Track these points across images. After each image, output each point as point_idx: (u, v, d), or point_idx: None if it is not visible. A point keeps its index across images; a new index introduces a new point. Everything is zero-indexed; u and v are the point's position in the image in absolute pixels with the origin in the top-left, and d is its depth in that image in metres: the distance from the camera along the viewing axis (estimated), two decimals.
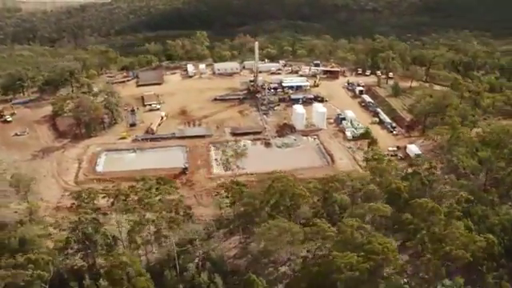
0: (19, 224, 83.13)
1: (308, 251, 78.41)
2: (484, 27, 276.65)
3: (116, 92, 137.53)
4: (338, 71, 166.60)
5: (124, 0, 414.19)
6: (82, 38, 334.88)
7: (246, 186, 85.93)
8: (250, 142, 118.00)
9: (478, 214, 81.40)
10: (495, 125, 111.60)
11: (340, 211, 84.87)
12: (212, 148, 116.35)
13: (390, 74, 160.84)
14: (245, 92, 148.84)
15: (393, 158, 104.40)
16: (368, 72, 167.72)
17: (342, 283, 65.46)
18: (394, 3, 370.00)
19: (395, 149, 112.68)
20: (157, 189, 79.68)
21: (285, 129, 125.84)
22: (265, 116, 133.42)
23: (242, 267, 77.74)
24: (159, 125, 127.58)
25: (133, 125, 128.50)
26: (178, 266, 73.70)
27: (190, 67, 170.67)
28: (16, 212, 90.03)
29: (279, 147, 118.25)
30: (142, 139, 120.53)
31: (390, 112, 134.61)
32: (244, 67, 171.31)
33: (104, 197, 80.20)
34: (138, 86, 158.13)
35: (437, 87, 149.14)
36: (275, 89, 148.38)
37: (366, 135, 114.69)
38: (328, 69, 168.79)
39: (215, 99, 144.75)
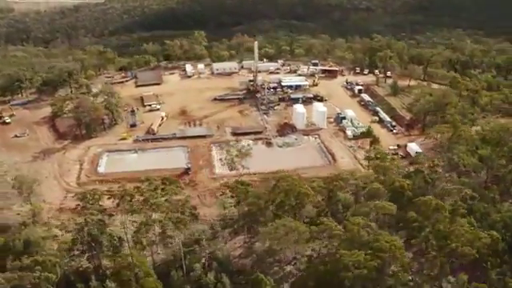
0: (23, 226, 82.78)
1: (312, 250, 79.14)
2: (477, 26, 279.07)
3: (116, 92, 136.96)
4: (336, 70, 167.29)
5: (118, 0, 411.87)
6: (75, 38, 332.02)
7: (251, 186, 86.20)
8: (251, 141, 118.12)
9: (481, 211, 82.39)
10: (494, 123, 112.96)
11: (343, 210, 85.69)
12: (213, 148, 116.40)
13: (388, 73, 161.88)
14: (244, 92, 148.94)
15: (394, 156, 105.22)
16: (366, 71, 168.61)
17: (349, 281, 66.02)
18: (388, 2, 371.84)
19: (396, 147, 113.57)
20: (162, 189, 79.50)
21: (285, 128, 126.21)
22: (265, 116, 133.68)
23: (248, 267, 78.18)
24: (160, 125, 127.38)
25: (133, 125, 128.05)
26: (184, 267, 73.86)
27: (189, 67, 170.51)
28: (18, 214, 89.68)
29: (280, 147, 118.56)
30: (143, 140, 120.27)
31: (390, 111, 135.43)
32: (242, 67, 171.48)
33: (109, 198, 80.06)
34: (137, 86, 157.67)
35: (435, 86, 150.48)
36: (274, 88, 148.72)
37: (368, 134, 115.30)
38: (326, 68, 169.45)
39: (215, 99, 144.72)
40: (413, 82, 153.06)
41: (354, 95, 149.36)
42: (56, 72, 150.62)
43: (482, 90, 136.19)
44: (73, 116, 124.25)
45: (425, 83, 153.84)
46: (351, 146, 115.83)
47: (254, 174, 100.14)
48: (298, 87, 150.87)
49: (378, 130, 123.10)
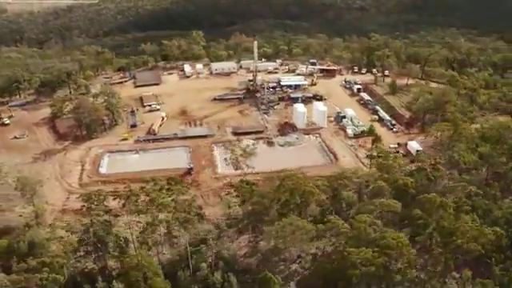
0: (27, 228, 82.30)
1: (317, 248, 79.61)
2: (470, 25, 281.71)
3: (116, 93, 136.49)
4: (334, 70, 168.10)
5: (112, 0, 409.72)
6: (69, 39, 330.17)
7: (256, 185, 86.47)
8: (252, 141, 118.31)
9: (483, 207, 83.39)
10: (493, 121, 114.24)
11: (346, 208, 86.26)
12: (215, 148, 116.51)
13: (386, 72, 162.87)
14: (244, 91, 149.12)
15: (396, 154, 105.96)
16: (364, 70, 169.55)
17: (357, 278, 66.52)
18: (382, 1, 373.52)
19: (396, 146, 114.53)
20: (168, 189, 79.50)
21: (286, 127, 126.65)
22: (265, 115, 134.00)
23: (253, 266, 78.47)
24: (160, 125, 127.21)
25: (133, 126, 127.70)
26: (191, 266, 73.97)
27: (187, 67, 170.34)
28: (21, 216, 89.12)
29: (282, 146, 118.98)
30: (144, 140, 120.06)
31: (389, 109, 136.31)
32: (241, 67, 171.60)
33: (115, 198, 79.89)
34: (136, 86, 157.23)
35: (433, 84, 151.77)
36: (274, 88, 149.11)
37: (369, 132, 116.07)
38: (325, 67, 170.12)
39: (214, 99, 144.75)
40: (411, 81, 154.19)
41: (352, 94, 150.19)
42: (55, 73, 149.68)
43: (480, 89, 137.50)
44: (73, 117, 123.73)
45: (423, 82, 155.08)
46: (352, 145, 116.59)
47: (257, 173, 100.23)
48: (297, 87, 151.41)
49: (377, 128, 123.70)
